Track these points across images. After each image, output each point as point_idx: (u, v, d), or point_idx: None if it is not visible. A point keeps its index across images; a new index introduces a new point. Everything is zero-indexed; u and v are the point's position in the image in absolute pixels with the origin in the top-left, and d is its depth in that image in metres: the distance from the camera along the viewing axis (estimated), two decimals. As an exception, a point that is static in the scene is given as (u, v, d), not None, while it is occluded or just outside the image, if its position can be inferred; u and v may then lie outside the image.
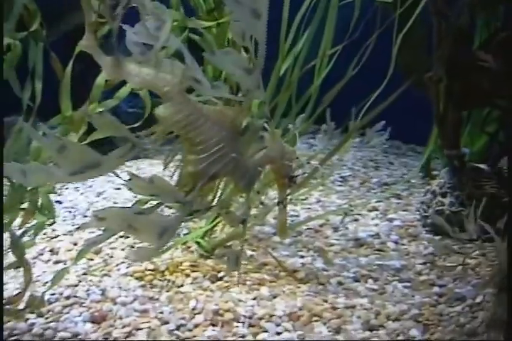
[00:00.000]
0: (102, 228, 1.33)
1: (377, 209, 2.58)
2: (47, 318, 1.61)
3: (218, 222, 2.03)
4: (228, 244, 2.07)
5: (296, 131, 1.54)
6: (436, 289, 1.78)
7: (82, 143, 1.80)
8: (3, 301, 1.57)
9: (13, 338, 1.52)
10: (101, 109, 1.80)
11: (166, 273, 1.86)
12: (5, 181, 1.57)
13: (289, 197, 1.34)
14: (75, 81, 1.80)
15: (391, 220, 2.43)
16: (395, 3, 1.93)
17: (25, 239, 1.73)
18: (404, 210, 2.56)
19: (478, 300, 1.66)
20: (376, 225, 2.37)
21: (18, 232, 1.59)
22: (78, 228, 2.10)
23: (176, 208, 1.40)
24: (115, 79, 1.18)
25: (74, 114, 1.76)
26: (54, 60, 1.79)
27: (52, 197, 2.60)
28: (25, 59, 1.77)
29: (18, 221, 1.79)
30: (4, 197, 1.59)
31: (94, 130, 1.76)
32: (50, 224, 2.08)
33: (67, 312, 1.63)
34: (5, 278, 1.82)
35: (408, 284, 1.83)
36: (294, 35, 2.04)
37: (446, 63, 1.88)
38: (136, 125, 1.74)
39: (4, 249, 1.60)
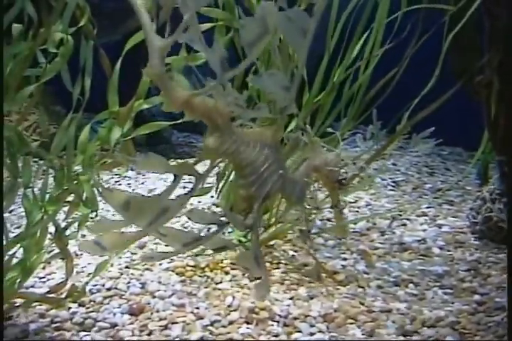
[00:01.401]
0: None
1: (426, 215, 2.54)
2: (88, 308, 1.66)
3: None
4: (271, 243, 2.09)
5: (338, 134, 1.54)
6: (477, 297, 1.74)
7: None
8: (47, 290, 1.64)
9: (55, 325, 1.58)
10: (147, 106, 1.84)
11: (206, 269, 1.89)
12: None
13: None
14: (124, 78, 1.85)
15: (440, 226, 2.38)
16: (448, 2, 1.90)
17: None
18: (454, 216, 2.51)
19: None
20: (424, 230, 2.34)
21: (63, 224, 1.63)
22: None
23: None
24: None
25: (120, 109, 1.80)
26: (103, 57, 1.84)
27: (104, 191, 2.68)
28: (76, 56, 1.83)
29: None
30: (49, 189, 1.64)
31: (139, 125, 1.82)
32: (92, 218, 2.13)
33: (107, 303, 1.68)
34: (52, 268, 1.89)
35: (449, 291, 1.80)
36: (340, 34, 2.04)
37: (497, 67, 1.83)
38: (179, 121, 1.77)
39: (48, 240, 1.65)
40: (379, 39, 2.06)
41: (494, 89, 1.92)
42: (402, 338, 1.54)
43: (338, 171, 1.31)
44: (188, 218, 1.13)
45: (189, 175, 1.08)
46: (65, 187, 1.66)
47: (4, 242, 1.48)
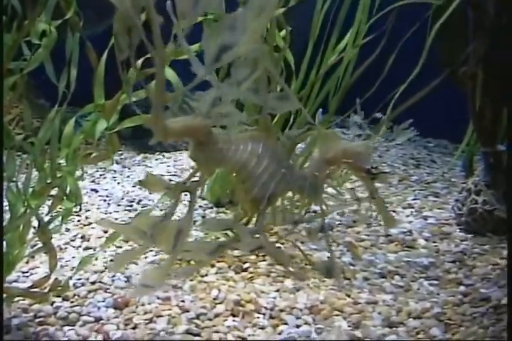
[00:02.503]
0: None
1: (412, 207, 2.55)
2: (72, 302, 1.65)
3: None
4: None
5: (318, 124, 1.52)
6: (462, 288, 1.75)
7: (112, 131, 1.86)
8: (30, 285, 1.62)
9: (38, 320, 1.56)
10: (133, 99, 1.82)
11: (192, 262, 1.88)
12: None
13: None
14: (110, 71, 1.83)
15: (425, 218, 2.39)
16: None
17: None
18: (440, 208, 2.51)
19: (504, 301, 1.62)
20: (410, 222, 2.34)
21: (46, 218, 1.62)
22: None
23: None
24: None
25: (106, 102, 1.78)
26: (89, 50, 1.82)
27: (89, 185, 2.67)
28: (62, 48, 1.81)
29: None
30: (33, 184, 1.63)
31: (124, 118, 1.80)
32: (76, 211, 2.12)
33: (92, 297, 1.67)
34: (35, 263, 1.88)
35: (435, 282, 1.80)
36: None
37: (482, 58, 1.83)
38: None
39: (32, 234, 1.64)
40: (362, 29, 2.04)
41: (479, 80, 1.92)
42: (387, 329, 1.54)
43: (367, 160, 1.27)
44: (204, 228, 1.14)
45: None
46: (49, 181, 1.64)
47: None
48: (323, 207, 1.38)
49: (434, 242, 2.12)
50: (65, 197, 1.66)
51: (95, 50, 1.84)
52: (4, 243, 1.55)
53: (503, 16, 1.86)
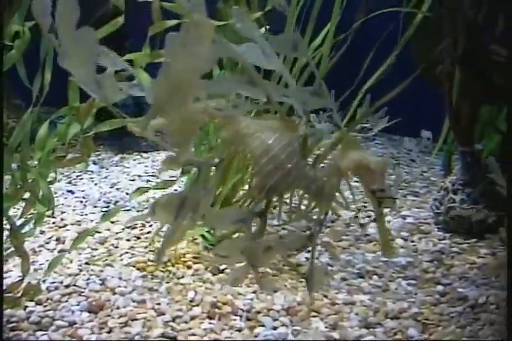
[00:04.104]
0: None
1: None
2: (45, 306, 1.62)
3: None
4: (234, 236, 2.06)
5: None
6: (439, 288, 1.75)
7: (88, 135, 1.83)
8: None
9: (11, 325, 1.53)
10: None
11: (168, 264, 1.86)
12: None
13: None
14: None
15: (404, 217, 2.39)
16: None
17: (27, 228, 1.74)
18: (418, 207, 2.51)
19: (480, 300, 1.62)
20: (388, 222, 2.33)
21: (19, 222, 1.59)
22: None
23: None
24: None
25: (81, 106, 1.76)
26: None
27: (65, 186, 2.64)
28: (37, 50, 1.78)
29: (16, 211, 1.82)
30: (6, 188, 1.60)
31: (102, 119, 1.77)
32: (48, 216, 2.09)
33: (66, 301, 1.64)
34: (8, 266, 1.84)
35: (413, 282, 1.80)
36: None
37: (456, 56, 1.83)
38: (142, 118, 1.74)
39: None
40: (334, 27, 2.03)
41: (456, 79, 1.92)
42: (365, 330, 1.53)
43: (378, 180, 1.19)
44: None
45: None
46: (21, 184, 1.61)
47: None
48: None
49: (413, 241, 2.11)
50: (37, 201, 1.64)
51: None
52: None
53: (477, 14, 1.87)
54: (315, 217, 1.20)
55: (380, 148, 3.71)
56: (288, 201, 1.15)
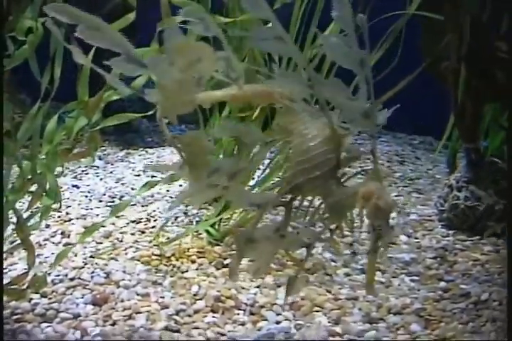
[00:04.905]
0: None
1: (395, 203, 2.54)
2: (50, 299, 1.63)
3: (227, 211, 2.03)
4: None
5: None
6: (442, 284, 1.75)
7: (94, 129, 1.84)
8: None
9: (16, 317, 1.55)
10: (116, 97, 1.80)
11: (172, 258, 1.87)
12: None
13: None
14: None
15: (408, 214, 2.39)
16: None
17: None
18: (423, 205, 2.51)
19: (483, 297, 1.63)
20: (392, 219, 2.34)
21: (25, 215, 1.60)
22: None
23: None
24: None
25: (89, 100, 1.77)
26: (74, 47, 1.79)
27: (70, 181, 2.65)
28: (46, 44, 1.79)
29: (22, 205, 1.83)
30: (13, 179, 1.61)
31: (108, 115, 1.78)
32: (55, 209, 2.10)
33: (70, 294, 1.66)
34: (14, 259, 1.86)
35: (416, 278, 1.81)
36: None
37: (460, 53, 1.83)
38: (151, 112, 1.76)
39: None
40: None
41: (461, 76, 1.92)
42: (367, 325, 1.54)
43: (383, 218, 1.17)
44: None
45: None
46: (29, 177, 1.62)
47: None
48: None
49: (416, 238, 2.12)
50: (44, 194, 1.65)
51: (81, 47, 1.82)
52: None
53: (482, 12, 1.87)
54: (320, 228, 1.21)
55: (386, 146, 3.71)
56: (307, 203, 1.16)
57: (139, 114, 1.83)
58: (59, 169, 1.76)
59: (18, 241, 1.62)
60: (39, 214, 1.67)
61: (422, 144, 3.90)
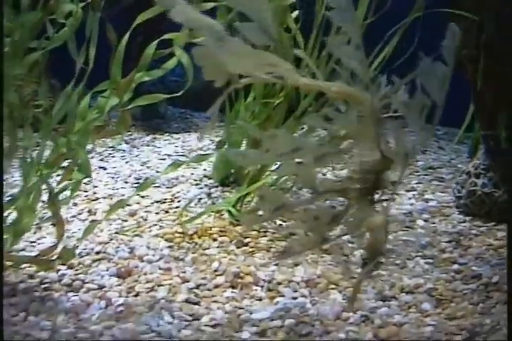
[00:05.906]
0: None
1: (415, 190, 2.57)
2: (76, 270, 1.71)
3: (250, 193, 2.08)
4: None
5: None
6: (455, 266, 1.79)
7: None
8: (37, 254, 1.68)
9: (44, 286, 1.63)
10: (147, 78, 1.86)
11: (195, 236, 1.94)
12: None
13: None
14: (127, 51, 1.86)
15: (427, 200, 2.42)
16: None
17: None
18: (442, 192, 2.54)
19: (494, 279, 1.67)
20: (411, 204, 2.37)
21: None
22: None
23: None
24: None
25: (121, 80, 1.83)
26: (109, 30, 1.86)
27: (97, 163, 2.73)
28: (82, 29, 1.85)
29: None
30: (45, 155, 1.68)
31: (137, 97, 1.84)
32: (86, 183, 2.18)
33: (96, 266, 1.74)
34: (42, 233, 1.94)
35: (430, 260, 1.84)
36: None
37: (478, 41, 1.85)
38: (179, 94, 1.82)
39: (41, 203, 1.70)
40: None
41: (480, 64, 1.94)
42: (380, 303, 1.59)
43: (378, 245, 1.20)
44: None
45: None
46: (62, 153, 1.70)
47: None
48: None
49: (433, 223, 2.15)
50: (75, 169, 1.72)
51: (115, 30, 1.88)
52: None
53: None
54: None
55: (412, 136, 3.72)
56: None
57: (168, 95, 1.88)
58: (89, 147, 1.83)
59: (48, 216, 1.70)
60: (69, 190, 1.75)
61: (446, 135, 3.91)
